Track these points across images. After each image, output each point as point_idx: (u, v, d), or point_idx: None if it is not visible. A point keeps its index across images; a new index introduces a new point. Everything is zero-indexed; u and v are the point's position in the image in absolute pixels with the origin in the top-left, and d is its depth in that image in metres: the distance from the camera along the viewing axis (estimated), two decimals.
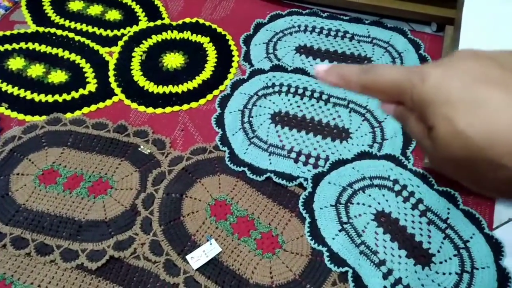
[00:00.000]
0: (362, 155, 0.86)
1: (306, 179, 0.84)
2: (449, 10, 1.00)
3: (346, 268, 0.73)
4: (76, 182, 0.85)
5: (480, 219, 0.78)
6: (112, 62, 1.05)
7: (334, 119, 0.93)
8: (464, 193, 0.81)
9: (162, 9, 1.17)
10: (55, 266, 0.76)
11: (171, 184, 0.83)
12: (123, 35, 1.11)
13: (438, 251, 0.75)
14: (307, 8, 1.15)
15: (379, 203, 0.80)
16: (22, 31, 1.11)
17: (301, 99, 0.96)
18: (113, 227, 0.79)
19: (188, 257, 0.75)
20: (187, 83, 1.01)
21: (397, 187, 0.82)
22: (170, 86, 1.00)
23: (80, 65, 1.04)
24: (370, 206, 0.80)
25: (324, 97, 0.96)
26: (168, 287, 0.73)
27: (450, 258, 0.74)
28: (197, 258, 0.75)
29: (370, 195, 0.81)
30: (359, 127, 0.91)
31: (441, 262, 0.73)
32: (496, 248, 0.75)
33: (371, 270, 0.73)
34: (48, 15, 1.15)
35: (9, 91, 1.00)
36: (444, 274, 0.72)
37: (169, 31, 1.11)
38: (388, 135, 0.89)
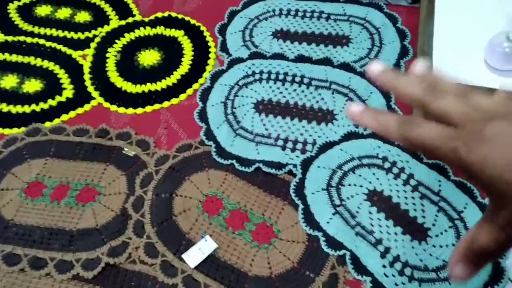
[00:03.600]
0: (349, 136, 0.86)
1: (295, 166, 0.83)
2: None
3: (343, 251, 0.73)
4: (63, 192, 0.84)
5: (472, 189, 0.78)
6: (86, 65, 1.03)
7: (317, 102, 0.92)
8: None
9: (132, 5, 1.14)
10: (51, 279, 0.74)
11: (160, 184, 0.82)
12: (95, 36, 1.08)
13: (433, 225, 0.75)
14: None
15: (370, 182, 0.80)
16: None
17: (283, 85, 0.95)
18: (106, 233, 0.78)
19: (184, 256, 0.74)
20: (166, 79, 0.99)
21: (387, 165, 0.82)
22: (149, 84, 0.98)
23: (54, 72, 1.02)
24: (361, 186, 0.80)
25: (306, 80, 0.94)
26: None
27: (446, 231, 0.74)
28: (194, 256, 0.74)
29: (360, 175, 0.81)
30: (343, 107, 0.90)
31: (437, 236, 0.74)
32: None
33: (368, 251, 0.73)
34: (15, 22, 1.12)
35: None
36: (441, 247, 0.73)
37: (141, 28, 1.09)
38: None
